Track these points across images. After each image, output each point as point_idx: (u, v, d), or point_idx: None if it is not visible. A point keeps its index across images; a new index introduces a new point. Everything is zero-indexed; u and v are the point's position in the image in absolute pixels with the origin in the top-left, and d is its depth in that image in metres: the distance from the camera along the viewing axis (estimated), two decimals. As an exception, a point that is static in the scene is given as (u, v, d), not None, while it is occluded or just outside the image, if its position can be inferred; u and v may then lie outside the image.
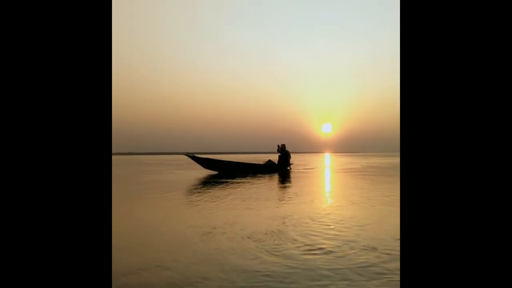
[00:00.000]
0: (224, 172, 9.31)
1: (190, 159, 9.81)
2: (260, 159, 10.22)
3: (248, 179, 7.15)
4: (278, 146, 10.31)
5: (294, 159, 11.54)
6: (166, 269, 1.68)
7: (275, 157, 10.40)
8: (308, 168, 11.90)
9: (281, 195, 4.66)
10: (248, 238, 2.28)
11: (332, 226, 2.63)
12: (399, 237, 1.74)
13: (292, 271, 1.66)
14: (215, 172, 9.25)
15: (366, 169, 11.42)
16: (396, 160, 19.60)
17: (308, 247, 2.05)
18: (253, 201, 4.07)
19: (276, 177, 7.71)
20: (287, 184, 6.20)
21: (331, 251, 1.97)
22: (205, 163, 9.64)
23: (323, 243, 2.14)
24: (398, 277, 1.51)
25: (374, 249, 2.01)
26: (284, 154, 10.27)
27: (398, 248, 1.92)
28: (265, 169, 9.86)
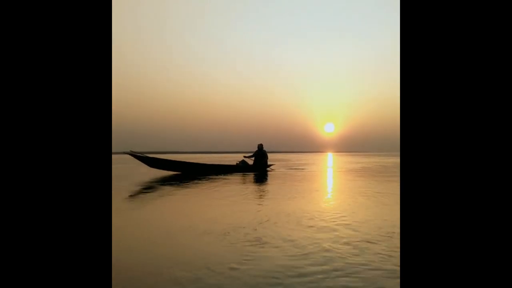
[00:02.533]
0: (184, 173, 8.53)
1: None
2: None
3: (218, 180, 6.71)
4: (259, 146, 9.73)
5: (297, 158, 11.38)
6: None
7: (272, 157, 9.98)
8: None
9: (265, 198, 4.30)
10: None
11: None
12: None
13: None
14: (173, 173, 8.53)
15: (387, 169, 10.76)
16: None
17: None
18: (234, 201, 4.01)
19: (251, 178, 7.24)
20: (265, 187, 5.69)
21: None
22: (156, 163, 8.52)
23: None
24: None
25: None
26: (261, 154, 9.78)
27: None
28: (238, 169, 9.36)
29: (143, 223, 2.84)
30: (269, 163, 10.28)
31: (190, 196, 4.45)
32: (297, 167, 12.11)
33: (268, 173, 8.89)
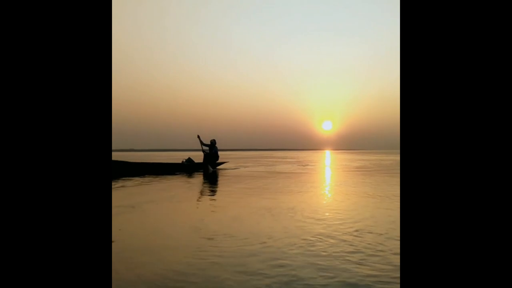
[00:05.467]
0: (119, 172, 7.71)
1: None
2: (246, 155, 9.74)
3: (161, 180, 6.33)
4: (199, 138, 9.13)
5: (297, 155, 11.33)
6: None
7: (259, 154, 9.64)
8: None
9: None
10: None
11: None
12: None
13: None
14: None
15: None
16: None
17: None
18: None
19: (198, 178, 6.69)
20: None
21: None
22: None
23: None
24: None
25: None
26: (213, 151, 9.29)
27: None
28: (183, 168, 8.77)
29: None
30: (221, 160, 9.76)
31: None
32: (304, 164, 12.16)
33: (218, 174, 7.93)
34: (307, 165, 12.37)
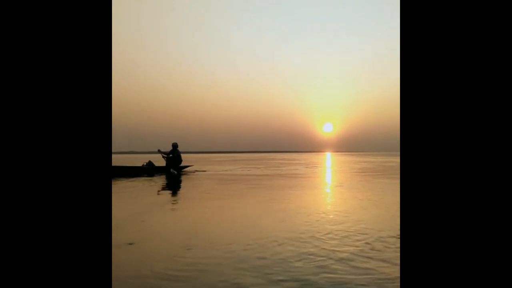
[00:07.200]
0: None
1: None
2: (236, 157, 9.70)
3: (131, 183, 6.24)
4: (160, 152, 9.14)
5: (298, 157, 11.34)
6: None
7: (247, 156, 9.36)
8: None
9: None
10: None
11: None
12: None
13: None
14: None
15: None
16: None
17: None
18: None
19: (158, 181, 6.61)
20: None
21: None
22: None
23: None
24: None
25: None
26: (176, 155, 9.24)
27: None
28: (143, 171, 8.82)
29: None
30: (184, 164, 9.71)
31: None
32: (312, 166, 12.24)
33: (181, 178, 7.68)
34: (315, 167, 12.46)
